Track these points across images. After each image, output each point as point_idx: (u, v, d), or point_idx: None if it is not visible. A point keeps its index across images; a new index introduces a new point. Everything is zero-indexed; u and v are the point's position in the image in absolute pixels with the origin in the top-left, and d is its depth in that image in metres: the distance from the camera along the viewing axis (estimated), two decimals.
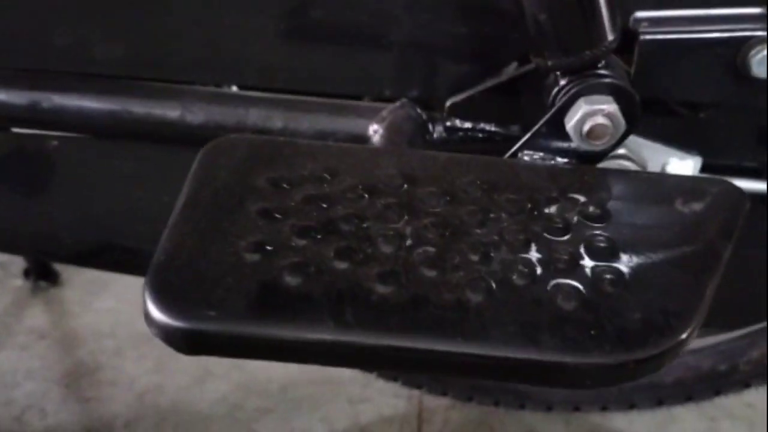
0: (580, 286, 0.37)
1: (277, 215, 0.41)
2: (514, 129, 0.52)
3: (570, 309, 0.36)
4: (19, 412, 0.98)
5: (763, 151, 0.52)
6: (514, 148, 0.46)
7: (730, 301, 0.57)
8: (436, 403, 0.95)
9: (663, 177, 0.47)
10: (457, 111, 0.52)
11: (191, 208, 0.41)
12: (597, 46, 0.44)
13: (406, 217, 0.41)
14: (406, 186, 0.43)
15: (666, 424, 0.94)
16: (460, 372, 0.36)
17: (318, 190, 0.43)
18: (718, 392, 0.81)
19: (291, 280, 0.37)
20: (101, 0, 0.55)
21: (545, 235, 0.40)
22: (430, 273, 0.38)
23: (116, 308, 1.14)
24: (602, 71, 0.45)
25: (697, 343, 0.80)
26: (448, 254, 0.39)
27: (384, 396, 0.97)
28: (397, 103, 0.53)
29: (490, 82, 0.51)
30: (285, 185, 0.43)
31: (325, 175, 0.44)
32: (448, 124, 0.53)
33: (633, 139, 0.49)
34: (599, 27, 0.44)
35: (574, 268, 0.38)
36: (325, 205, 0.42)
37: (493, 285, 0.37)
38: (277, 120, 0.54)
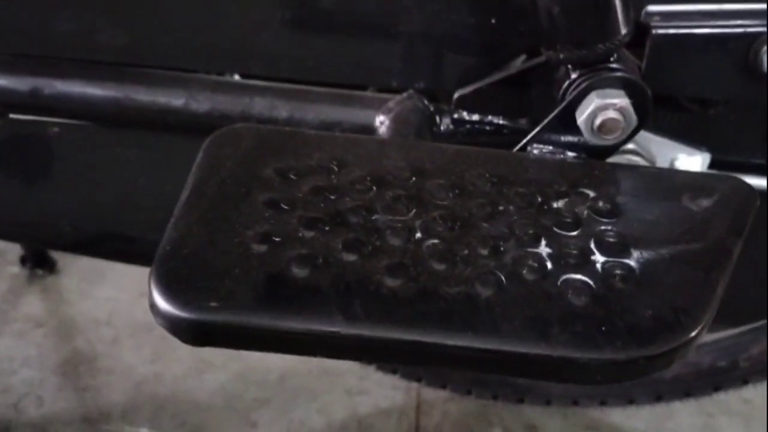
0: (591, 282, 0.37)
1: (284, 206, 0.40)
2: (523, 122, 0.52)
3: (581, 304, 0.36)
4: (16, 400, 0.97)
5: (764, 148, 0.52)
6: (524, 141, 0.46)
7: (730, 297, 0.57)
8: (434, 395, 0.95)
9: (673, 173, 0.47)
10: (465, 103, 0.52)
11: (197, 197, 0.40)
12: (610, 39, 0.43)
13: (414, 210, 0.41)
14: (414, 178, 0.43)
15: (664, 419, 0.94)
16: (470, 366, 0.36)
17: (326, 181, 0.42)
18: (717, 388, 0.81)
19: (299, 271, 0.37)
20: None
21: (555, 229, 0.40)
22: (439, 266, 0.37)
23: (114, 297, 1.14)
24: (614, 65, 0.45)
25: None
26: (457, 247, 0.39)
27: (382, 388, 0.97)
28: (404, 95, 0.53)
29: (498, 75, 0.50)
30: (292, 176, 0.42)
31: (333, 165, 0.43)
32: (456, 116, 0.52)
33: (642, 135, 0.49)
34: (613, 20, 0.43)
35: (584, 264, 0.38)
36: (333, 197, 0.41)
37: (503, 279, 0.37)
38: (282, 110, 0.54)
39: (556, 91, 0.46)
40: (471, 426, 0.93)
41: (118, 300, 1.13)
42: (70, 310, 1.14)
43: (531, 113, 0.51)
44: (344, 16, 0.53)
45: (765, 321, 0.75)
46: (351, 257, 0.38)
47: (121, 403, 0.97)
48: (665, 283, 0.38)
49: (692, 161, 0.50)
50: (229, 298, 0.36)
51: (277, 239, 0.38)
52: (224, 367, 1.00)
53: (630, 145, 0.49)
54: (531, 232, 0.40)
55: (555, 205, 0.42)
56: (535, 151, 0.46)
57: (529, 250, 0.39)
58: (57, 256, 1.19)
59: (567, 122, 0.45)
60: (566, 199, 0.42)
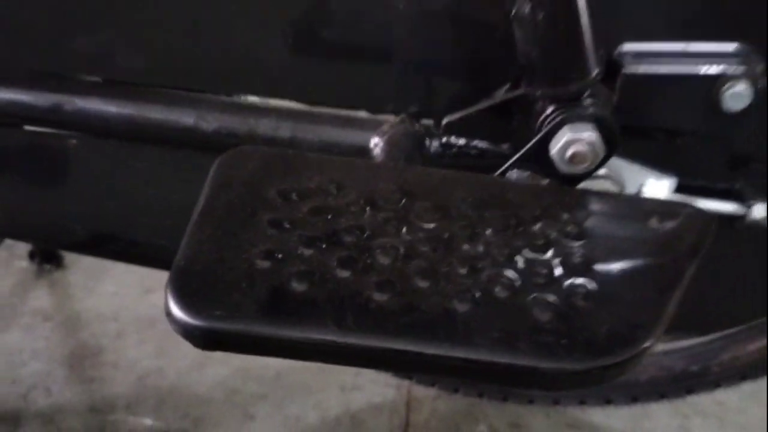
0: (556, 299, 0.42)
1: (286, 225, 0.45)
2: (505, 147, 0.56)
3: (545, 320, 0.41)
4: (26, 391, 1.00)
5: (732, 176, 0.57)
6: (504, 167, 0.51)
7: (700, 309, 0.62)
8: (424, 393, 0.98)
9: (637, 199, 0.51)
10: (453, 128, 0.56)
11: (208, 216, 0.45)
12: (582, 79, 0.48)
13: (403, 230, 0.45)
14: (404, 200, 0.48)
15: (640, 419, 0.98)
16: (448, 373, 0.40)
17: (324, 203, 0.47)
18: (690, 391, 0.85)
19: (298, 286, 0.41)
20: (123, 11, 0.59)
21: (527, 250, 0.45)
22: (423, 283, 0.42)
23: (118, 292, 1.17)
24: (587, 100, 0.49)
25: (671, 346, 0.85)
26: (439, 266, 0.43)
27: (375, 385, 1.00)
28: (397, 119, 0.57)
29: (484, 104, 0.55)
30: (294, 197, 0.47)
31: (331, 187, 0.48)
32: (444, 140, 0.57)
33: (614, 160, 0.53)
34: (584, 62, 0.48)
35: (551, 283, 0.43)
36: (330, 217, 0.46)
37: (478, 296, 0.42)
38: (285, 130, 0.58)
39: (534, 122, 0.51)
40: (458, 422, 0.96)
41: (122, 296, 1.15)
42: (76, 304, 1.17)
43: (513, 139, 0.56)
44: (343, 46, 0.57)
45: (734, 330, 0.80)
46: (345, 273, 0.42)
47: (125, 395, 1.00)
48: (622, 301, 0.43)
49: (659, 186, 0.55)
50: (236, 309, 0.40)
51: (279, 256, 0.43)
52: (225, 362, 1.03)
53: (602, 170, 0.54)
54: (505, 253, 0.44)
55: (528, 227, 0.46)
56: (515, 176, 0.51)
57: (503, 269, 0.43)
58: (63, 252, 1.22)
59: (543, 151, 0.50)
60: (539, 223, 0.47)
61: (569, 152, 0.48)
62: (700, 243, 0.47)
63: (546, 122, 0.49)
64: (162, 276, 0.45)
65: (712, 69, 0.50)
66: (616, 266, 0.45)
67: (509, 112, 0.55)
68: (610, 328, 0.41)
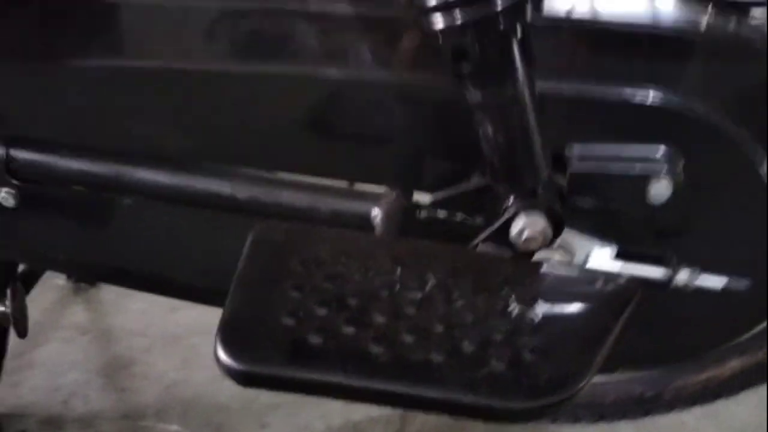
0: (509, 353, 0.55)
1: (305, 290, 0.58)
2: (479, 220, 0.70)
3: (500, 369, 0.54)
4: (66, 397, 1.08)
5: (659, 244, 0.70)
6: (475, 241, 0.64)
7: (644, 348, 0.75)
8: None
9: (580, 271, 0.65)
10: (438, 204, 0.70)
11: (246, 281, 0.59)
12: (533, 178, 0.62)
13: (395, 294, 0.59)
14: (397, 269, 0.61)
15: None
16: (427, 409, 0.54)
17: (334, 270, 0.60)
18: (647, 413, 0.99)
19: (314, 339, 0.55)
20: (175, 102, 0.73)
21: (489, 314, 0.58)
22: (409, 338, 0.55)
23: (146, 310, 1.24)
24: (540, 192, 0.63)
25: (631, 374, 0.98)
26: (422, 325, 0.57)
27: None
28: (393, 194, 0.71)
29: (462, 186, 0.68)
30: (312, 265, 0.60)
31: (341, 257, 0.61)
32: (431, 213, 0.70)
33: (566, 233, 0.67)
34: (535, 165, 0.61)
35: (506, 339, 0.56)
36: (339, 282, 0.59)
37: (450, 349, 0.55)
38: (302, 201, 0.72)
39: (500, 206, 0.64)
40: None
41: (150, 313, 1.23)
42: (109, 320, 1.24)
43: (485, 215, 0.69)
44: (349, 132, 0.71)
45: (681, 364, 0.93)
46: (349, 330, 0.56)
47: (154, 404, 1.08)
48: (560, 354, 0.56)
49: (603, 253, 0.68)
50: (267, 357, 0.54)
51: (300, 315, 0.56)
52: None
53: (556, 242, 0.67)
54: (473, 315, 0.58)
55: (492, 293, 0.60)
56: (485, 248, 0.65)
57: (470, 328, 0.57)
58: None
59: (505, 231, 0.63)
60: (501, 290, 0.60)
61: (524, 236, 0.62)
62: (626, 307, 0.60)
63: (507, 209, 0.63)
64: None
65: (640, 170, 0.64)
66: (557, 326, 0.58)
67: (483, 192, 0.68)
68: (549, 376, 0.54)
